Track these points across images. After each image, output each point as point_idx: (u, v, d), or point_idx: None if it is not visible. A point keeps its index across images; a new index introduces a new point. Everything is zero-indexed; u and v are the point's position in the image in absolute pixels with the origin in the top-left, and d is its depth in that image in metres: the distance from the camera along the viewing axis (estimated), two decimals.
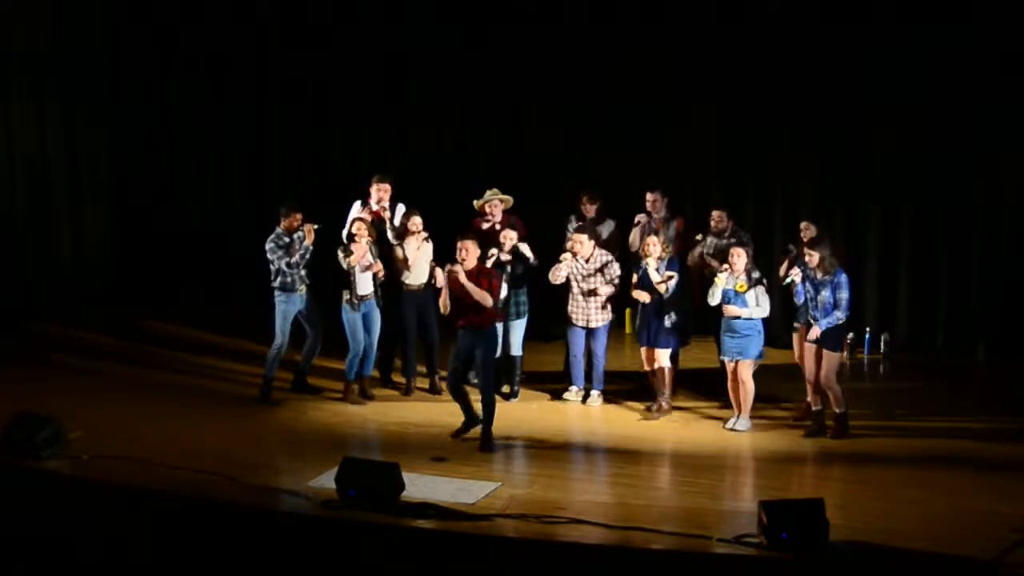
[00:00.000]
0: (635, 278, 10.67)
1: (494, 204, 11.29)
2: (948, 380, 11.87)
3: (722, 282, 10.08)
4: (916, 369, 12.33)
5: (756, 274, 10.13)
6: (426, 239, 10.99)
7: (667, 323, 10.42)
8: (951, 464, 9.19)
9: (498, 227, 11.11)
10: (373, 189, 11.23)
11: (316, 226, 10.87)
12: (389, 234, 11.05)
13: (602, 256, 10.82)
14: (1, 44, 13.74)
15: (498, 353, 10.19)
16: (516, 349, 11.05)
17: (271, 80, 14.75)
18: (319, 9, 14.51)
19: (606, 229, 11.45)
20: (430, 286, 10.89)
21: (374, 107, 14.53)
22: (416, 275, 10.98)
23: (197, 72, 14.94)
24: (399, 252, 10.97)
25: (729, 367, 10.17)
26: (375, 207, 11.20)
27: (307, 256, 10.84)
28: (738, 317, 10.02)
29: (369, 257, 10.74)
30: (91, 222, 14.94)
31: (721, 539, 7.58)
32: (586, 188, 11.73)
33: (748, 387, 10.10)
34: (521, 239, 10.97)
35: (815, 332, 9.79)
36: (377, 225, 10.99)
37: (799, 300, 10.08)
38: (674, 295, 10.44)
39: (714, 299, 10.15)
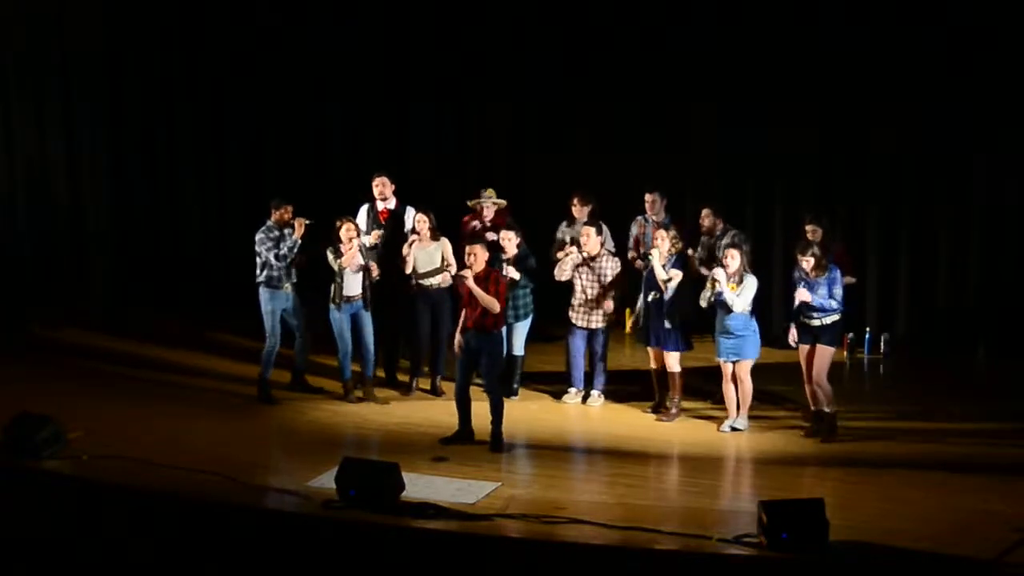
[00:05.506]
0: (644, 275, 10.61)
1: (488, 205, 11.29)
2: (948, 380, 11.86)
3: (717, 283, 10.02)
4: (916, 369, 12.33)
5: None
6: (437, 238, 10.92)
7: (667, 324, 10.34)
8: (951, 464, 9.18)
9: (488, 226, 11.11)
10: (374, 187, 11.23)
11: (308, 221, 10.81)
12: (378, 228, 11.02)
13: (608, 259, 10.77)
14: (1, 44, 13.74)
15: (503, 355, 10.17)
16: (518, 349, 11.02)
17: (271, 80, 14.73)
18: (319, 9, 14.50)
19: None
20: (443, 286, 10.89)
21: (374, 107, 14.52)
22: (423, 274, 10.91)
23: (197, 73, 14.93)
24: (404, 251, 10.95)
25: (726, 368, 10.14)
26: (381, 206, 11.18)
27: (295, 250, 10.78)
28: (730, 311, 9.99)
29: (360, 258, 10.69)
30: (91, 222, 14.93)
31: (721, 539, 7.59)
32: (577, 189, 11.64)
33: (747, 387, 10.07)
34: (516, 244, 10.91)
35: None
36: (381, 225, 10.94)
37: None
38: (678, 295, 10.35)
39: (704, 301, 10.12)
